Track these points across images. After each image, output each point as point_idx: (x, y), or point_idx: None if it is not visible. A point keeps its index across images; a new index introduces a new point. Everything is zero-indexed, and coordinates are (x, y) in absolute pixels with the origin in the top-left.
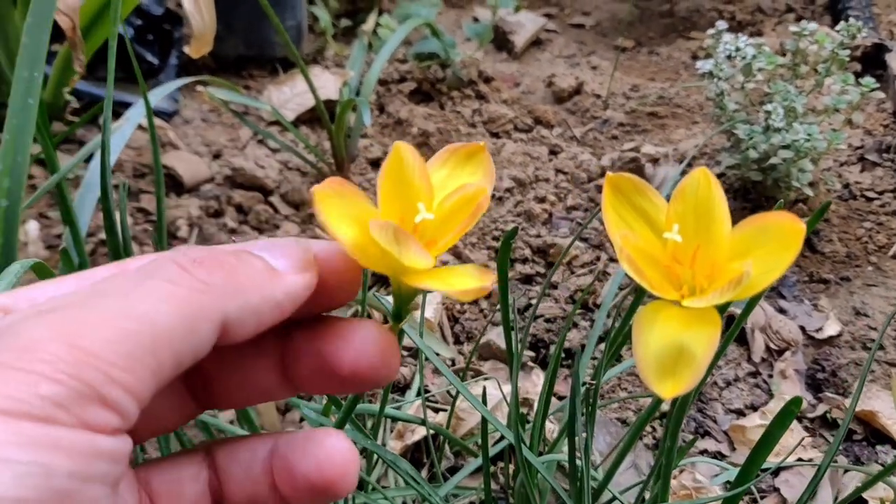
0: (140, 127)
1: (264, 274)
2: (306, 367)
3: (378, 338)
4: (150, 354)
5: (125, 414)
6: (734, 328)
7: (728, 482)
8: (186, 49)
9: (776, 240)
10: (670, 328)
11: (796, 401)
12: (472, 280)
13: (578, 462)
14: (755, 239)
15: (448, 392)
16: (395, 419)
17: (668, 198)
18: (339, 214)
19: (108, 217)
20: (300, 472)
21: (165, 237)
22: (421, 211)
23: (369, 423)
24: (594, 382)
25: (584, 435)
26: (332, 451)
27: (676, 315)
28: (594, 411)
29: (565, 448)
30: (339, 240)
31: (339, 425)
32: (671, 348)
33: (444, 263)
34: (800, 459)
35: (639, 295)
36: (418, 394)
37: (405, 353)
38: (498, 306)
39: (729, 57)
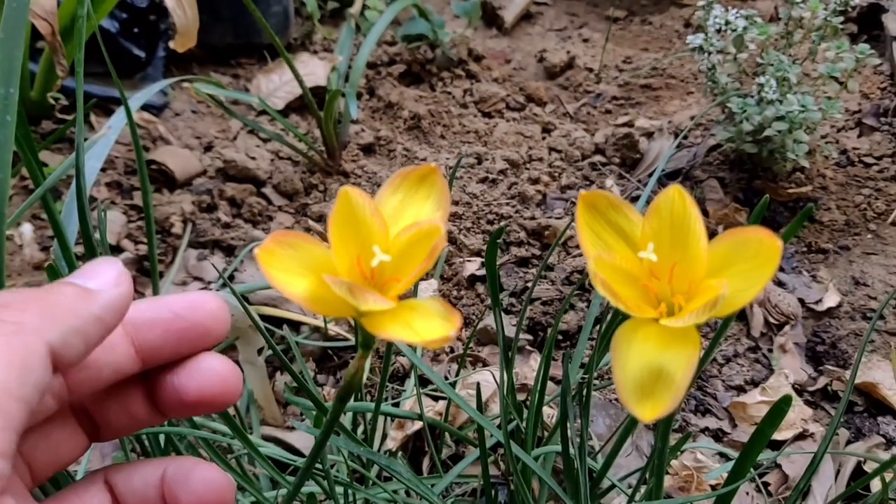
0: (129, 123)
1: (77, 297)
2: (166, 399)
3: (218, 368)
4: None
5: (2, 474)
6: (732, 312)
7: (724, 456)
8: (171, 44)
9: (753, 256)
10: (648, 348)
11: (786, 399)
12: (437, 327)
13: (573, 453)
14: (732, 254)
15: (447, 378)
16: (392, 416)
17: (658, 177)
18: (288, 268)
19: (82, 215)
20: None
21: (154, 237)
22: (377, 254)
23: (368, 416)
24: (586, 377)
25: (579, 423)
26: (208, 484)
27: (654, 334)
28: (588, 402)
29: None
30: (292, 298)
31: (328, 427)
32: (649, 370)
33: None
34: (803, 433)
35: None
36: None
37: None
38: None
39: (719, 30)
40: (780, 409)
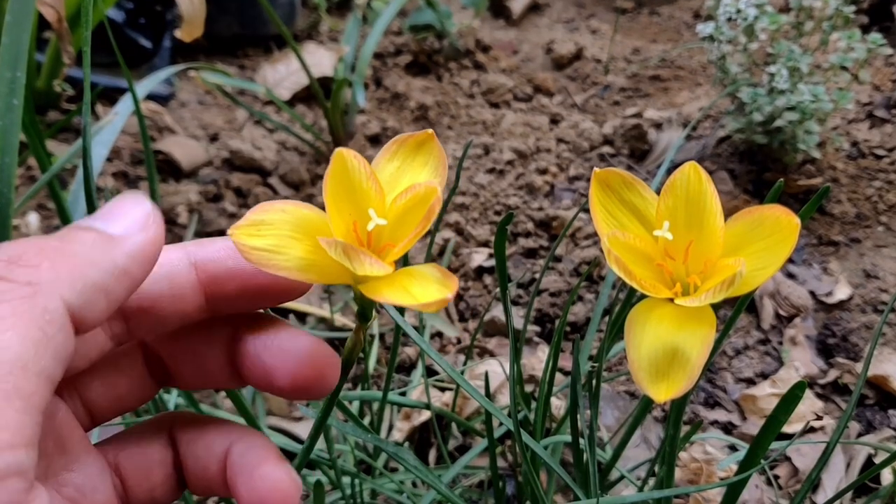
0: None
1: (98, 245)
2: (251, 372)
3: (315, 353)
4: (12, 397)
5: (23, 468)
6: (743, 300)
7: (734, 448)
8: (178, 33)
9: (771, 234)
10: (663, 328)
11: (800, 385)
12: (433, 290)
13: (583, 443)
14: (749, 233)
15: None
16: (400, 406)
17: (666, 168)
18: (274, 242)
19: (89, 197)
20: (244, 499)
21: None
22: (373, 218)
23: (375, 406)
24: (596, 365)
25: (588, 413)
26: (273, 487)
27: (669, 314)
28: (598, 391)
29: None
30: (282, 273)
31: (321, 421)
32: (664, 350)
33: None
34: (813, 426)
35: None
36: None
37: None
38: None
39: (730, 19)
40: (794, 395)
